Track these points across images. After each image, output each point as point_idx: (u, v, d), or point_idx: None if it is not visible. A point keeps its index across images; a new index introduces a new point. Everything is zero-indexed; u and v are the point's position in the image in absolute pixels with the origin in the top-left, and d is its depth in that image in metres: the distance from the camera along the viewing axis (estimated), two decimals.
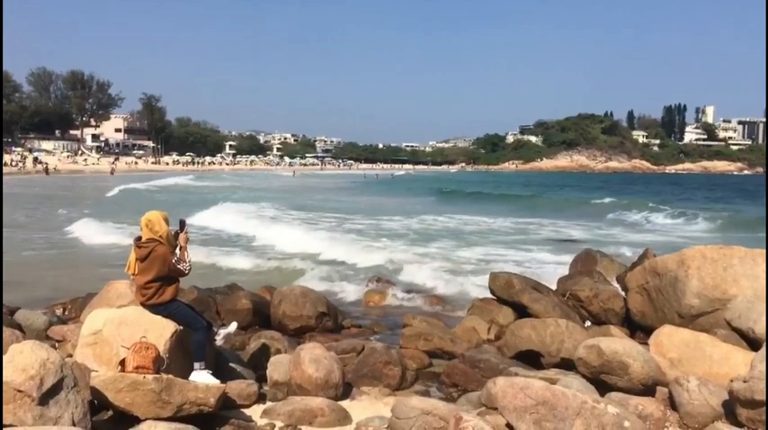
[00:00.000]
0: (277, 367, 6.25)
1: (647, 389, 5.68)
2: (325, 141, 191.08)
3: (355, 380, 6.57)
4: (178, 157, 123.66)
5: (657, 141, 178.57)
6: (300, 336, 8.36)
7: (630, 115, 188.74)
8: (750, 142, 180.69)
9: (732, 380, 4.94)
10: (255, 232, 20.61)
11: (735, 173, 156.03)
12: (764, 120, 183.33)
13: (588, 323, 8.87)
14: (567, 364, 6.56)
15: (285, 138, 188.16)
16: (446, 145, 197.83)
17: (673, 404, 5.36)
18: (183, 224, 5.82)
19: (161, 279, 5.55)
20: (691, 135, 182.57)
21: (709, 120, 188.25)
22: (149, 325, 5.53)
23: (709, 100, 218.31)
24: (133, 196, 39.72)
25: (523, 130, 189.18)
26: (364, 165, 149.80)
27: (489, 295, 9.53)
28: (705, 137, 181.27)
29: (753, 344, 6.72)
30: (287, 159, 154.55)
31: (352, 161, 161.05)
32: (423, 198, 47.30)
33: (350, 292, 11.49)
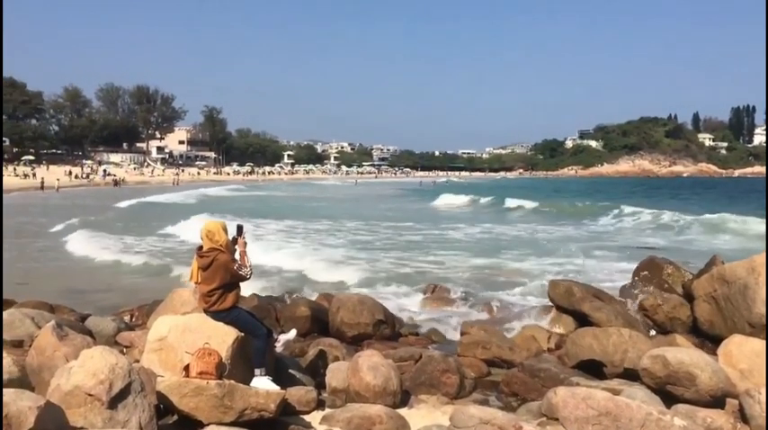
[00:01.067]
0: (335, 374, 6.30)
1: (716, 401, 5.47)
2: (381, 149, 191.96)
3: (413, 388, 6.56)
4: (238, 168, 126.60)
5: (725, 144, 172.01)
6: (358, 344, 8.41)
7: (696, 117, 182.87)
8: None
9: None
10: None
11: None
12: None
13: (653, 332, 8.62)
14: (631, 375, 6.39)
15: (342, 147, 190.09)
16: (503, 151, 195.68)
17: (743, 417, 5.14)
18: (240, 229, 5.95)
19: (223, 286, 5.69)
20: (760, 137, 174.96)
21: None
22: (212, 331, 5.67)
23: None
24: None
25: (583, 135, 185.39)
26: (420, 173, 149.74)
27: (549, 303, 9.38)
28: None
29: None
30: (344, 168, 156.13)
31: (408, 169, 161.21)
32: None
33: (408, 300, 11.50)
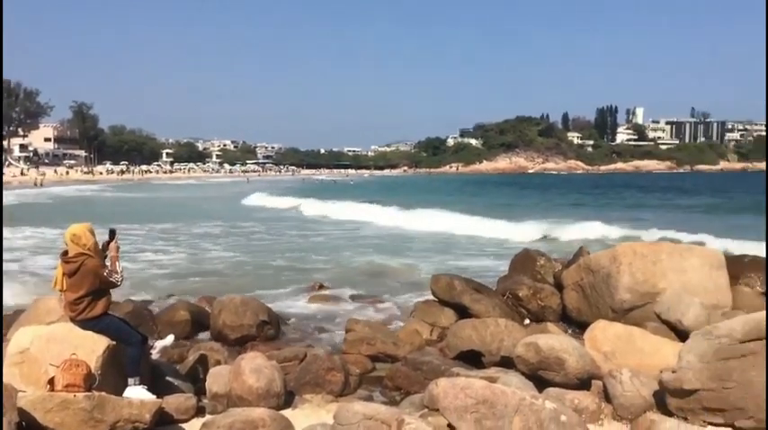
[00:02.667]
0: (216, 379, 6.12)
1: (583, 383, 5.83)
2: (266, 147, 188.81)
3: (298, 388, 6.51)
4: (112, 166, 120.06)
5: (591, 142, 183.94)
6: (241, 346, 8.22)
7: (565, 117, 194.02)
8: (677, 142, 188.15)
9: (662, 371, 5.13)
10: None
11: (665, 171, 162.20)
12: (691, 120, 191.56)
13: (527, 321, 9.06)
14: (507, 362, 6.68)
15: (225, 145, 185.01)
16: (388, 149, 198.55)
17: (607, 396, 5.52)
18: (113, 233, 5.66)
19: (92, 293, 5.37)
20: (622, 136, 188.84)
21: (639, 120, 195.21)
22: (80, 341, 5.34)
23: (638, 101, 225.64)
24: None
25: (464, 134, 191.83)
26: (306, 171, 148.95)
27: (432, 297, 9.62)
28: (636, 137, 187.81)
29: (681, 335, 6.99)
30: (227, 166, 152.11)
31: (294, 167, 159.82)
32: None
33: (293, 299, 11.38)
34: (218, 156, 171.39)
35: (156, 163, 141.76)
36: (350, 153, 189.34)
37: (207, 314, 8.99)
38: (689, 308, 7.38)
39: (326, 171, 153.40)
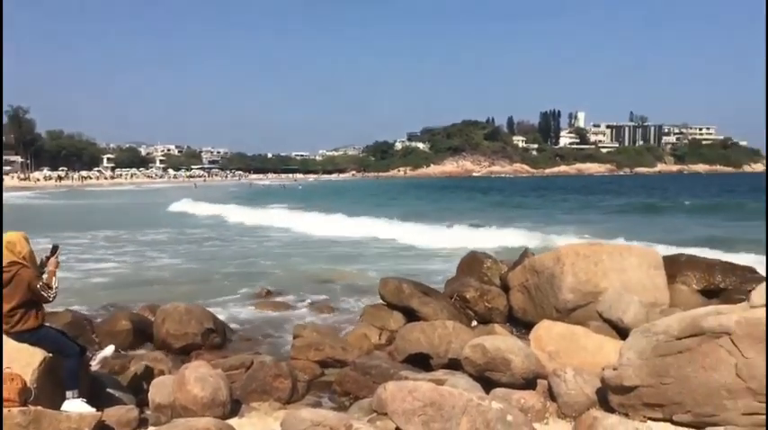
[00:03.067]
0: (160, 389, 5.96)
1: (529, 383, 5.93)
2: (211, 152, 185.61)
3: (244, 396, 6.40)
4: (49, 172, 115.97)
5: (535, 146, 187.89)
6: (186, 355, 8.04)
7: (510, 121, 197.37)
8: (617, 145, 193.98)
9: (604, 369, 5.25)
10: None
11: (606, 174, 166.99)
12: (630, 124, 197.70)
13: (475, 323, 9.16)
14: (455, 364, 6.73)
15: (168, 150, 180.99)
16: (336, 153, 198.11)
17: (552, 395, 5.62)
18: (55, 249, 5.52)
19: (25, 304, 5.16)
20: (565, 139, 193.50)
21: (581, 124, 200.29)
22: (15, 354, 5.12)
23: (580, 106, 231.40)
24: None
25: (411, 137, 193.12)
26: (254, 176, 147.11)
27: (380, 301, 9.62)
28: (578, 141, 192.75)
29: (622, 333, 7.19)
30: (171, 171, 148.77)
31: (241, 172, 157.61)
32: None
33: (239, 306, 11.21)
34: (161, 161, 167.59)
35: (96, 168, 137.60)
36: (298, 157, 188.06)
37: (150, 323, 8.76)
38: (629, 306, 7.60)
39: (273, 175, 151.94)
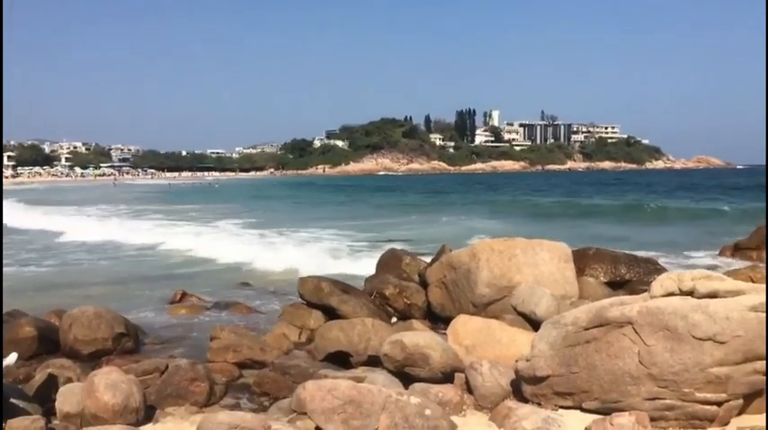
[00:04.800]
0: (67, 397, 5.69)
1: (447, 377, 6.06)
2: (122, 149, 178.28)
3: (159, 401, 6.20)
4: None
5: (452, 144, 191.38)
6: (96, 362, 7.71)
7: (427, 119, 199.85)
8: (530, 143, 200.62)
9: (517, 361, 5.43)
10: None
11: (519, 171, 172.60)
12: (541, 122, 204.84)
13: (394, 319, 9.25)
14: (375, 361, 6.78)
15: (75, 147, 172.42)
16: (254, 151, 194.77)
17: (469, 388, 5.76)
18: None
19: None
20: (481, 137, 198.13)
21: (495, 123, 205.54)
22: None
23: (494, 104, 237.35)
24: None
25: (330, 135, 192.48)
26: (168, 174, 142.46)
27: (299, 300, 9.56)
28: (493, 139, 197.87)
29: (535, 325, 7.44)
30: (78, 170, 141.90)
31: (153, 170, 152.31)
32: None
33: (152, 309, 10.85)
34: (67, 159, 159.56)
35: None
36: (213, 155, 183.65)
37: (56, 329, 8.34)
38: (541, 299, 7.89)
39: (188, 174, 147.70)
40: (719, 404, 4.59)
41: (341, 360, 7.27)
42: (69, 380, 6.47)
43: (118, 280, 14.09)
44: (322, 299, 9.16)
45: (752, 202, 36.59)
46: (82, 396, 5.63)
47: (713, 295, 4.85)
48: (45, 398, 6.13)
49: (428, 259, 10.81)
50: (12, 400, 5.69)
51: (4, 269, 15.44)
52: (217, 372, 7.02)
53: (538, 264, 8.78)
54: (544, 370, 5.14)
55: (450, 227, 27.23)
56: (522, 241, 9.11)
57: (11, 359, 5.92)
